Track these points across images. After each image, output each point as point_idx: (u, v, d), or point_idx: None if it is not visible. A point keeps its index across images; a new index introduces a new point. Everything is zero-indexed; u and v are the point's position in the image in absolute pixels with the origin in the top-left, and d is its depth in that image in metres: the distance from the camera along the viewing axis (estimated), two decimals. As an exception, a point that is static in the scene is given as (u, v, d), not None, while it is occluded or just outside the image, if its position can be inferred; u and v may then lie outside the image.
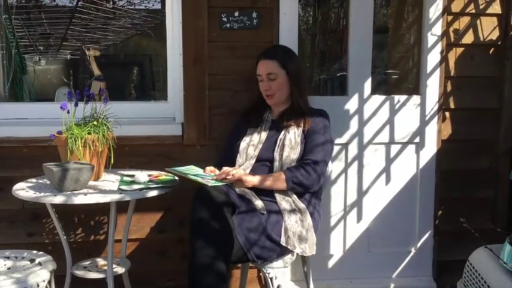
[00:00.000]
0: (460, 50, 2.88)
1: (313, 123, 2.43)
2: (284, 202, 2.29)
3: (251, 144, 2.45)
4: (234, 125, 2.60)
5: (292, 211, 2.28)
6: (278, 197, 2.30)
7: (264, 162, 2.39)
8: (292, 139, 2.38)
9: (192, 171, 2.29)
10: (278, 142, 2.40)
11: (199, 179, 2.19)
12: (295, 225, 2.25)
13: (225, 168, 2.25)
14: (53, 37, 6.53)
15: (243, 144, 2.47)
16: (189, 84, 2.71)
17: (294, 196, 2.32)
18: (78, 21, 6.17)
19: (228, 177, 2.22)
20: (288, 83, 2.46)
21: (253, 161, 2.41)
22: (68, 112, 2.26)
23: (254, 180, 2.28)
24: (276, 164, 2.36)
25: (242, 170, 2.33)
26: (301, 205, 2.31)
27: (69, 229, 2.68)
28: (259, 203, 2.25)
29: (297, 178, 2.29)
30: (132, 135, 2.64)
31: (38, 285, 2.01)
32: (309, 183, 2.30)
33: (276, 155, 2.37)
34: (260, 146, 2.44)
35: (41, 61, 6.18)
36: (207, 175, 2.26)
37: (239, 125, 2.57)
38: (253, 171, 2.38)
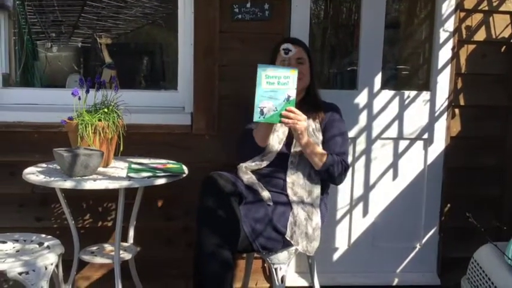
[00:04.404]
0: (471, 47, 2.86)
1: (330, 116, 2.42)
2: (296, 198, 2.29)
3: (276, 135, 2.38)
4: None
5: (302, 207, 2.29)
6: (290, 191, 2.31)
7: (283, 157, 2.36)
8: (310, 133, 2.35)
9: (274, 87, 2.13)
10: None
11: (262, 101, 2.12)
12: (304, 222, 2.26)
13: (298, 112, 2.16)
14: (65, 24, 6.55)
15: None
16: (200, 74, 2.72)
17: (306, 194, 2.32)
18: (90, 9, 6.19)
19: (295, 121, 2.14)
20: (309, 73, 2.46)
21: (275, 153, 2.37)
22: (79, 99, 2.28)
23: (304, 139, 2.22)
24: (293, 159, 2.35)
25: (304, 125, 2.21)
26: (313, 203, 2.31)
27: (78, 215, 2.71)
28: (266, 194, 2.26)
29: (333, 168, 2.28)
30: (141, 124, 2.65)
31: (46, 268, 2.04)
32: (338, 180, 2.34)
33: (294, 150, 2.35)
34: (284, 139, 2.39)
35: (52, 48, 6.21)
36: (282, 102, 2.13)
37: None
38: (271, 165, 2.35)
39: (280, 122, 2.16)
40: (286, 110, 2.14)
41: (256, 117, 2.14)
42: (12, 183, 2.61)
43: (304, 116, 2.19)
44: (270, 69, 2.14)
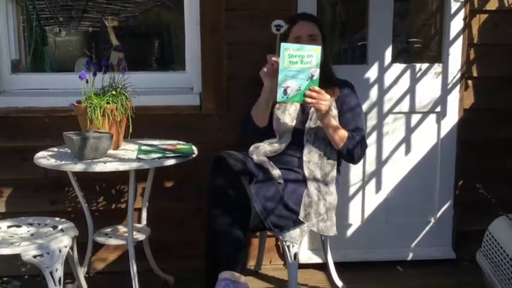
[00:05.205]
0: (483, 16, 2.80)
1: (344, 92, 2.40)
2: (312, 177, 2.28)
3: (287, 113, 2.36)
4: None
5: (317, 187, 2.27)
6: (306, 169, 2.30)
7: (298, 134, 2.35)
8: None
9: (296, 65, 2.09)
10: (310, 115, 2.35)
11: (286, 81, 2.08)
12: (318, 202, 2.25)
13: (322, 92, 2.14)
14: (74, 9, 6.53)
15: (278, 111, 2.37)
16: (207, 54, 2.69)
17: (321, 172, 2.30)
18: (99, -8, 6.15)
19: (318, 101, 2.12)
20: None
21: (290, 132, 2.35)
22: (87, 82, 2.28)
23: (326, 119, 2.22)
24: (308, 137, 2.33)
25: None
26: (327, 182, 2.30)
27: (91, 198, 2.73)
28: (276, 172, 2.26)
29: (353, 148, 2.28)
30: (150, 105, 2.65)
31: (60, 251, 2.06)
32: (357, 159, 2.34)
33: (308, 127, 2.34)
34: (296, 116, 2.37)
35: (61, 33, 6.22)
36: (305, 81, 2.11)
37: None
38: (289, 145, 2.34)
39: (304, 101, 2.14)
40: (309, 89, 2.12)
41: (280, 97, 2.12)
42: (25, 168, 2.63)
43: (328, 96, 2.17)
44: (293, 48, 2.10)
